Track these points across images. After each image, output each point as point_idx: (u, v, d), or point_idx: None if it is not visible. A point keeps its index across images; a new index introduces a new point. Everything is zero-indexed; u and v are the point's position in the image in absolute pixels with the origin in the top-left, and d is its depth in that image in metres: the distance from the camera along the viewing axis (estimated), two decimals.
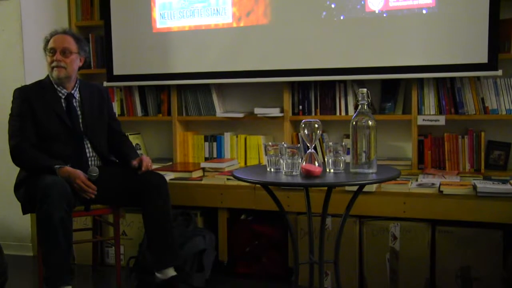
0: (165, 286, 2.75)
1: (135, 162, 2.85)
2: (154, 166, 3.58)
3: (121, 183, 2.82)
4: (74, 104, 2.88)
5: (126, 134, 3.25)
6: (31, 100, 2.79)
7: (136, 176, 2.82)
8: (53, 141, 2.78)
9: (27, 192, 2.70)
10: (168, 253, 2.77)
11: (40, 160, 2.71)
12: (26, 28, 3.57)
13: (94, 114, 2.92)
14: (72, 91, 2.87)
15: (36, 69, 3.37)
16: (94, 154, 2.89)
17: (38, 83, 2.89)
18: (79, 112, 2.87)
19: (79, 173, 2.67)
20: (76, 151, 2.82)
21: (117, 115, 3.53)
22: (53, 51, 2.80)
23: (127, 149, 3.02)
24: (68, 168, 2.67)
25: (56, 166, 2.66)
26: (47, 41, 2.84)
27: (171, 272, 2.76)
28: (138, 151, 3.87)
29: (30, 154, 2.73)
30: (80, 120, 2.87)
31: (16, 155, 2.76)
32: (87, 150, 2.87)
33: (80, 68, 2.93)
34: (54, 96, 2.84)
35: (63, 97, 2.85)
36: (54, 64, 2.79)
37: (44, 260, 2.57)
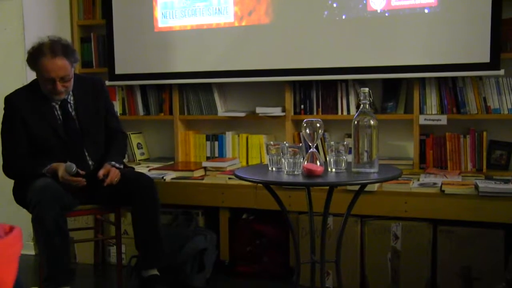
0: (147, 284, 2.73)
1: (101, 173, 2.67)
2: (156, 165, 3.60)
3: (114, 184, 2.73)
4: (70, 109, 2.77)
5: (126, 132, 3.11)
6: (22, 111, 2.70)
7: (126, 178, 2.73)
8: (48, 152, 2.72)
9: (23, 196, 2.66)
10: (152, 255, 2.73)
11: (27, 169, 2.67)
12: (28, 27, 3.57)
13: (90, 116, 2.82)
14: (66, 96, 2.75)
15: None
16: (92, 163, 2.79)
17: (30, 88, 2.76)
18: (74, 117, 2.78)
19: (60, 170, 2.61)
20: (73, 160, 2.71)
21: (118, 114, 3.50)
22: (52, 81, 2.63)
23: (111, 149, 2.86)
24: (53, 166, 2.63)
25: (44, 170, 2.62)
26: (33, 60, 2.64)
27: (153, 271, 2.74)
28: (139, 150, 3.87)
29: (17, 165, 2.71)
30: (77, 125, 2.77)
31: (5, 168, 2.76)
32: (85, 158, 2.78)
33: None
34: (48, 105, 2.73)
35: (58, 104, 2.75)
36: (55, 92, 2.67)
37: (43, 261, 2.57)
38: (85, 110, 2.81)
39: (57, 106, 2.76)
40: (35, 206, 2.50)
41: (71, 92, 2.78)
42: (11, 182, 2.81)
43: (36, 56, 2.63)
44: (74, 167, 2.63)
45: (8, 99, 2.75)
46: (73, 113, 2.78)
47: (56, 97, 2.71)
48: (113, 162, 2.75)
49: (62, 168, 2.62)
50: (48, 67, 2.61)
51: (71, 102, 2.79)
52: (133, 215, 2.76)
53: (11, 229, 1.10)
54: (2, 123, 2.77)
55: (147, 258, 2.74)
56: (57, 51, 2.62)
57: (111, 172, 2.68)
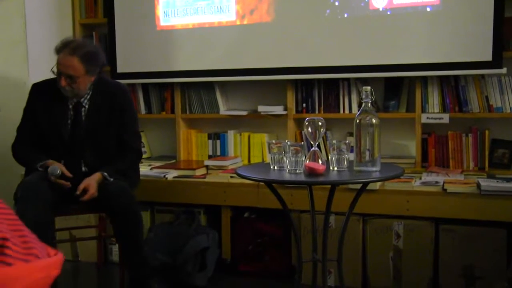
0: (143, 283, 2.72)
1: (80, 188, 2.61)
2: (158, 164, 3.60)
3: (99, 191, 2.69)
4: (82, 114, 2.75)
5: (141, 152, 3.01)
6: (36, 104, 2.74)
7: (106, 195, 2.64)
8: (48, 148, 2.72)
9: None
10: (135, 266, 2.70)
11: (26, 159, 2.73)
12: (30, 26, 3.57)
13: (99, 125, 2.76)
14: (82, 100, 2.74)
15: (40, 67, 3.37)
16: (85, 169, 2.75)
17: (53, 83, 2.73)
18: (84, 122, 2.74)
19: (49, 168, 2.61)
20: (69, 164, 2.70)
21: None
22: (59, 74, 2.64)
23: (112, 163, 2.76)
24: (47, 163, 2.63)
25: (38, 165, 2.63)
26: (56, 52, 2.67)
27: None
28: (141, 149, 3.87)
29: (21, 154, 2.77)
30: (84, 131, 2.74)
31: (13, 154, 2.80)
32: (80, 163, 2.76)
33: None
34: (62, 105, 2.73)
35: (72, 105, 2.75)
36: (60, 86, 2.67)
37: None
38: (96, 118, 2.76)
39: (71, 107, 2.76)
40: (18, 200, 2.51)
41: (88, 98, 2.76)
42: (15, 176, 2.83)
43: (58, 49, 2.68)
44: (57, 171, 2.58)
45: (32, 87, 2.81)
46: (83, 118, 2.76)
47: (63, 92, 2.68)
48: (105, 174, 2.67)
49: (50, 167, 2.62)
50: (60, 60, 2.65)
51: (86, 106, 2.76)
52: (114, 229, 2.71)
53: (56, 253, 1.08)
54: (25, 107, 2.81)
55: (131, 269, 2.71)
56: (77, 51, 2.63)
57: (89, 192, 2.60)
